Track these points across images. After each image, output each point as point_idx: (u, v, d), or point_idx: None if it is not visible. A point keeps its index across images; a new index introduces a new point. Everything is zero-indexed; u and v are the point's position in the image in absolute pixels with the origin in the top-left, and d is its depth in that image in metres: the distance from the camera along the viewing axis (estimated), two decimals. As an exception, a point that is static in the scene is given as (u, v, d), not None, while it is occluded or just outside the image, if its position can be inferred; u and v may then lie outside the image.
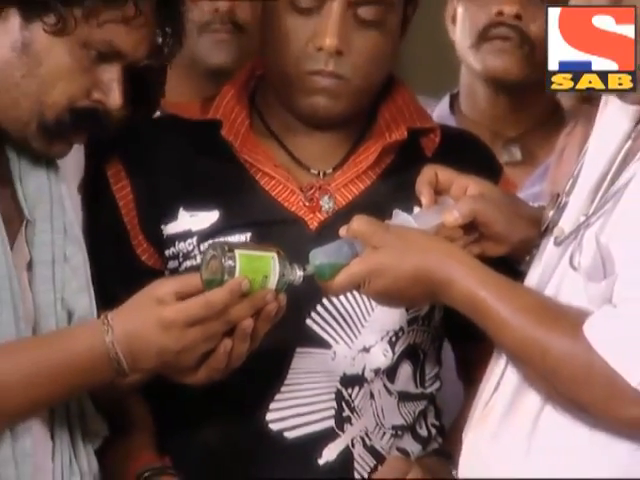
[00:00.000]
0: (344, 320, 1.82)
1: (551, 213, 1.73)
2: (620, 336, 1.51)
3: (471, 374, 1.86)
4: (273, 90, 1.87)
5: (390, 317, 1.84)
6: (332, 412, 1.79)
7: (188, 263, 1.78)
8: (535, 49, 2.37)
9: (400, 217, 1.72)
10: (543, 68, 2.26)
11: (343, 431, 1.80)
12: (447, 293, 1.62)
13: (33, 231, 1.72)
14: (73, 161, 1.84)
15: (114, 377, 1.65)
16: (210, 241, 1.75)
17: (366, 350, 1.83)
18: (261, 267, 1.63)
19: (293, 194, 1.82)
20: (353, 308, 1.83)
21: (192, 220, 1.77)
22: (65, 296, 1.73)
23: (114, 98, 1.68)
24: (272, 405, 1.79)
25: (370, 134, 1.88)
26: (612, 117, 1.72)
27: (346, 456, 1.80)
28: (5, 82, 1.66)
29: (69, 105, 1.67)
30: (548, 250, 1.66)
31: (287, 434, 1.79)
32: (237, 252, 1.59)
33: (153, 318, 1.62)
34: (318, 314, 1.80)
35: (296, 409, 1.80)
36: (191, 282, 1.62)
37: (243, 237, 1.79)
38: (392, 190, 1.85)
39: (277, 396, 1.78)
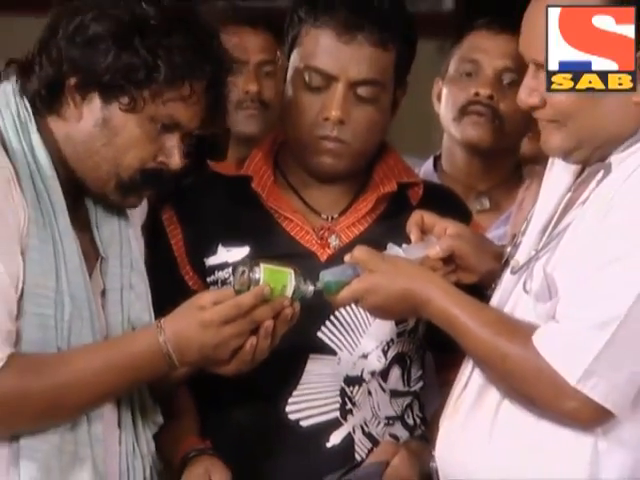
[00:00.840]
0: (347, 333, 1.99)
1: (509, 249, 1.89)
2: (562, 346, 1.68)
3: (447, 377, 1.99)
4: (291, 152, 2.04)
5: (383, 331, 1.99)
6: (337, 405, 1.98)
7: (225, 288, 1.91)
8: (504, 123, 2.57)
9: (393, 250, 1.88)
10: (510, 137, 2.60)
11: (346, 421, 1.97)
12: (427, 310, 1.79)
13: (106, 266, 1.89)
14: (139, 209, 2.01)
15: (167, 370, 1.81)
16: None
17: (364, 357, 2.00)
18: (280, 278, 1.78)
19: (307, 234, 2.00)
20: (354, 323, 1.99)
21: (228, 254, 1.94)
22: (131, 316, 1.89)
23: (175, 160, 1.84)
24: (290, 400, 1.95)
25: (367, 187, 2.05)
26: (557, 174, 1.86)
27: (348, 441, 1.97)
28: (89, 150, 1.83)
29: (140, 167, 1.84)
30: (506, 278, 1.83)
31: (302, 422, 1.96)
32: (262, 265, 1.77)
33: (195, 320, 1.77)
34: (327, 328, 1.98)
35: (309, 403, 1.97)
36: (225, 293, 1.78)
37: None
38: (385, 230, 1.99)
39: (294, 392, 1.96)
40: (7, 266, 1.75)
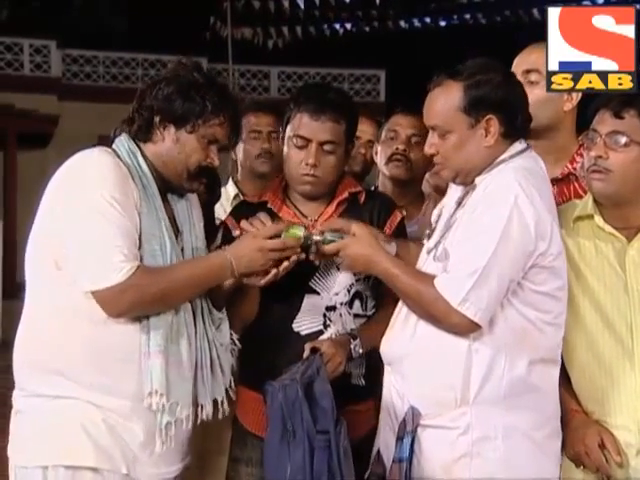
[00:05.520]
0: (326, 281, 2.50)
1: (426, 239, 2.34)
2: (449, 285, 2.09)
3: (389, 309, 2.39)
4: (289, 184, 2.56)
5: (345, 280, 2.51)
6: (321, 322, 2.50)
7: None
8: (412, 166, 3.18)
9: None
10: (416, 174, 3.17)
11: (326, 331, 2.50)
12: (375, 269, 2.25)
13: (182, 236, 2.32)
14: (197, 209, 2.43)
15: (228, 276, 2.24)
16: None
17: (337, 294, 2.52)
18: (297, 232, 2.29)
19: None
20: (330, 276, 2.50)
21: None
22: None
23: (215, 161, 2.28)
24: (295, 319, 2.50)
25: (332, 199, 2.55)
26: (453, 192, 2.32)
27: None
28: (170, 157, 2.26)
29: (198, 164, 2.26)
30: (424, 254, 2.30)
31: (301, 332, 2.50)
32: (290, 225, 2.28)
33: (255, 245, 2.21)
34: (316, 278, 2.51)
35: (305, 320, 2.50)
36: (268, 225, 2.26)
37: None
38: (347, 218, 2.41)
39: (297, 315, 2.50)
40: (132, 222, 2.16)
